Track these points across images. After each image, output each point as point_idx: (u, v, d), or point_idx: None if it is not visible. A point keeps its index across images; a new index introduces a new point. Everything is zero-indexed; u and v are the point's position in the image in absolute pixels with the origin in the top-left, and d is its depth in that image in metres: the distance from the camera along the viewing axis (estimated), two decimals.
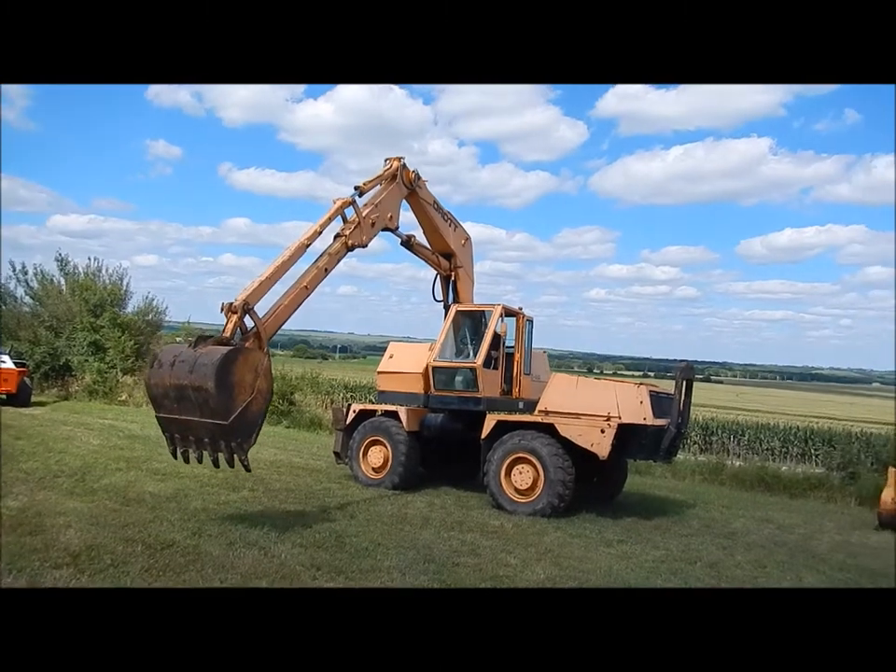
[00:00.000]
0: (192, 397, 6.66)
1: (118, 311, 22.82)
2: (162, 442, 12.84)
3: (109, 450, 11.71)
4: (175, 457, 7.31)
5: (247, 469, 7.13)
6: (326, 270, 8.74)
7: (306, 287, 8.39)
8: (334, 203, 8.99)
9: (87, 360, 21.65)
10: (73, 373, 22.04)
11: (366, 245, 9.37)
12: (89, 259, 25.12)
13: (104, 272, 23.82)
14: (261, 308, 7.77)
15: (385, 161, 10.06)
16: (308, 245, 8.43)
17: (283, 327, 8.27)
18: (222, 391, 6.57)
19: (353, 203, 9.11)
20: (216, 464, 7.13)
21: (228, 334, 7.21)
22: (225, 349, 6.80)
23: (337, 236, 9.01)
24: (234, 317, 7.28)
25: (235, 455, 6.92)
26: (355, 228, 9.08)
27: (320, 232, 8.64)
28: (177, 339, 22.77)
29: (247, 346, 7.25)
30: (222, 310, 7.33)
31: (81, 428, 14.15)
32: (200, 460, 7.22)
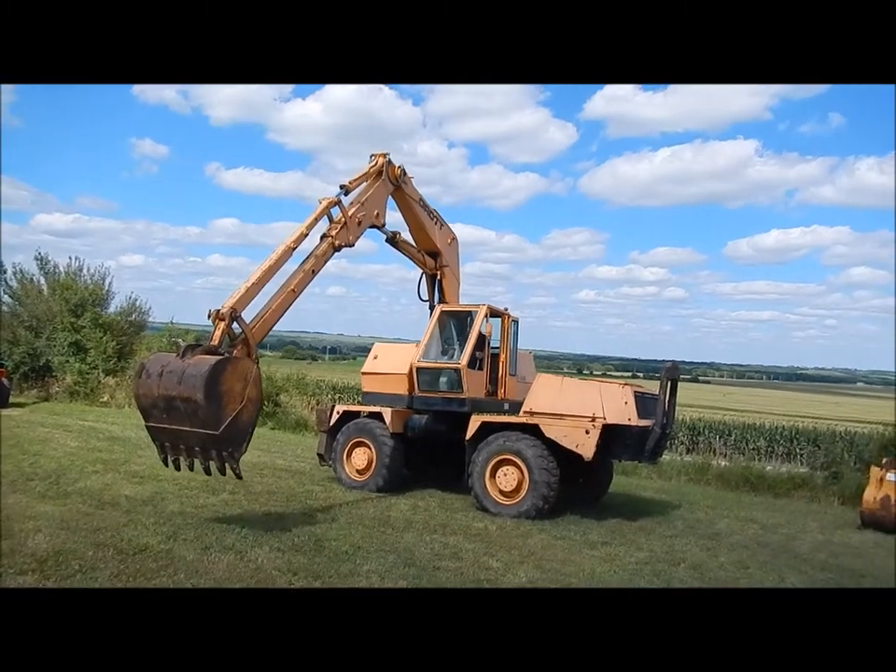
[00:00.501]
0: (182, 407, 6.63)
1: (99, 311, 22.47)
2: (142, 444, 12.79)
3: (87, 452, 11.50)
4: (167, 465, 7.28)
5: (238, 477, 7.14)
6: (313, 272, 8.68)
7: (293, 290, 8.34)
8: (320, 202, 8.89)
9: (67, 361, 21.33)
10: (53, 374, 21.72)
11: (353, 245, 9.29)
12: (69, 258, 24.76)
13: (85, 271, 23.48)
14: (249, 312, 7.76)
15: (371, 157, 9.95)
16: (295, 248, 8.36)
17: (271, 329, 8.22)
18: (211, 402, 6.55)
19: (339, 202, 9.01)
20: (207, 472, 7.10)
21: (216, 342, 7.18)
22: (213, 359, 6.74)
23: (323, 237, 8.91)
24: (222, 325, 7.24)
25: (226, 464, 6.92)
26: (341, 228, 8.99)
27: (307, 234, 8.56)
28: (162, 339, 22.47)
29: (236, 355, 7.20)
30: (209, 317, 7.32)
31: (59, 430, 13.90)
32: (191, 468, 7.21)
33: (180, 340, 23.79)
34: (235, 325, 7.44)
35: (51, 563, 5.54)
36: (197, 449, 6.91)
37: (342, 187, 9.20)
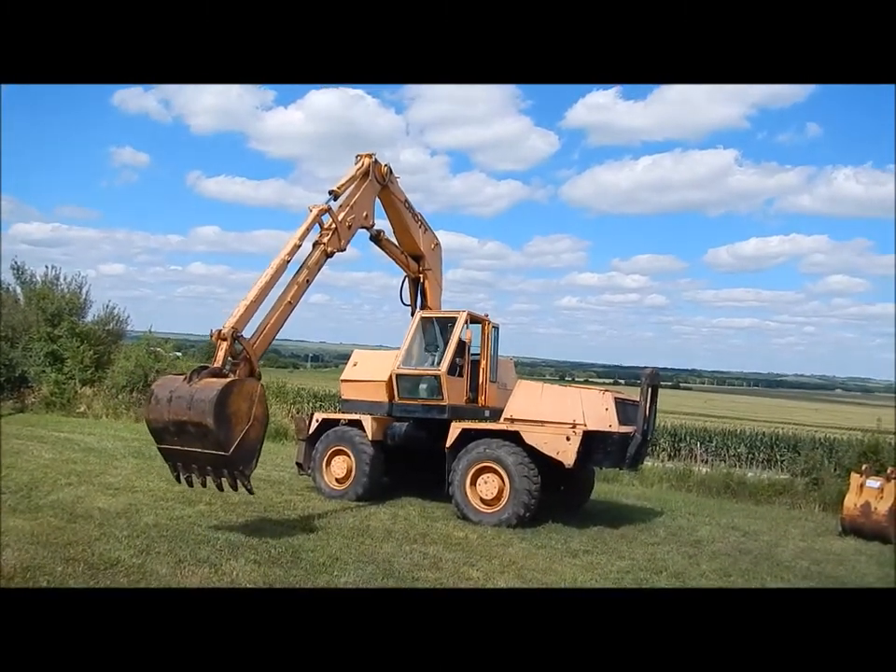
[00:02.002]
0: (192, 431, 6.90)
1: (76, 320, 22.08)
2: (118, 455, 12.56)
3: (61, 464, 11.22)
4: (179, 482, 7.56)
5: (250, 492, 7.52)
6: (307, 282, 8.74)
7: (290, 302, 8.43)
8: (310, 210, 8.87)
9: (44, 371, 20.91)
10: (29, 385, 21.27)
11: (344, 249, 9.33)
12: (46, 267, 24.35)
13: (62, 280, 23.07)
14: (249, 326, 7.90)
15: (357, 157, 9.90)
16: (290, 261, 8.42)
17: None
18: (221, 425, 6.81)
19: (329, 209, 9.00)
20: (220, 488, 7.44)
21: (219, 363, 7.40)
22: (220, 383, 6.95)
23: (315, 245, 8.91)
24: (224, 345, 7.45)
25: (238, 480, 7.22)
26: (332, 234, 8.99)
27: (300, 245, 8.59)
28: (141, 348, 22.10)
29: (241, 376, 7.43)
30: (211, 337, 7.55)
31: (34, 441, 13.57)
32: (204, 485, 7.48)
33: (159, 349, 23.44)
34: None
35: (19, 580, 5.37)
36: (209, 468, 7.19)
37: (330, 192, 9.20)
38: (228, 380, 7.10)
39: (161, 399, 7.07)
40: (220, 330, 7.47)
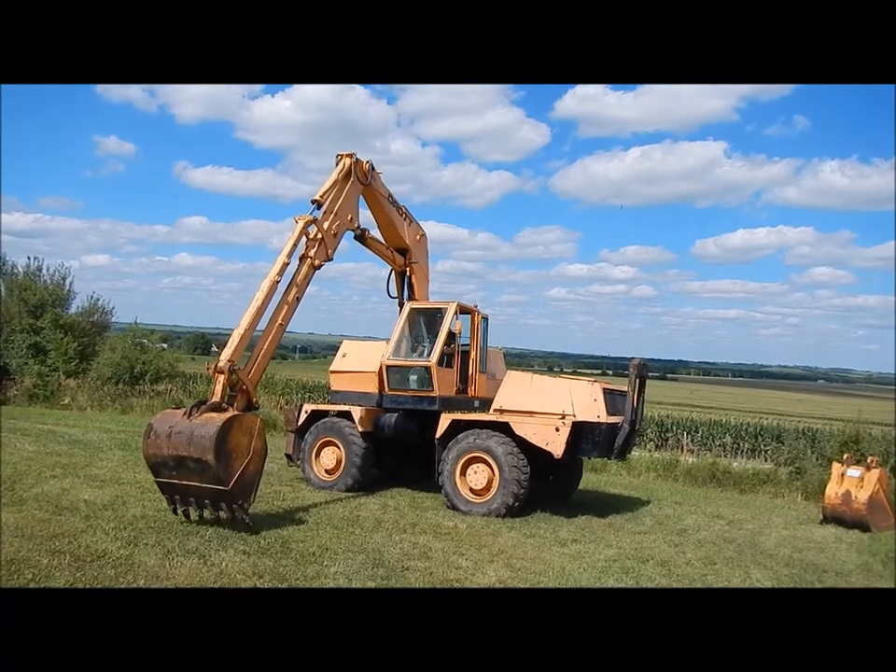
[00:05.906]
0: (191, 465, 6.95)
1: (60, 312, 21.87)
2: (104, 447, 12.44)
3: (45, 456, 11.09)
4: (176, 514, 7.41)
5: (249, 526, 7.14)
6: (297, 299, 8.73)
7: (281, 323, 8.50)
8: (296, 222, 8.75)
9: (26, 363, 20.70)
10: (11, 377, 21.04)
11: (332, 259, 9.24)
12: (28, 258, 24.03)
13: (44, 271, 22.84)
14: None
15: (337, 157, 9.73)
16: (279, 281, 8.38)
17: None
18: (221, 460, 6.88)
19: (314, 220, 8.86)
20: (217, 520, 7.29)
21: (218, 398, 7.48)
22: (220, 419, 7.02)
23: (302, 259, 8.83)
24: (221, 378, 7.55)
25: (236, 514, 7.13)
26: (319, 246, 8.90)
27: (289, 263, 8.53)
28: (127, 340, 21.88)
29: (239, 408, 7.62)
30: (207, 370, 7.80)
31: (17, 434, 13.36)
32: (201, 517, 7.38)
33: (145, 340, 23.26)
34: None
35: (3, 572, 5.30)
36: (207, 501, 7.17)
37: (314, 202, 9.05)
38: (228, 415, 7.13)
39: (160, 434, 7.09)
40: (217, 364, 7.58)
